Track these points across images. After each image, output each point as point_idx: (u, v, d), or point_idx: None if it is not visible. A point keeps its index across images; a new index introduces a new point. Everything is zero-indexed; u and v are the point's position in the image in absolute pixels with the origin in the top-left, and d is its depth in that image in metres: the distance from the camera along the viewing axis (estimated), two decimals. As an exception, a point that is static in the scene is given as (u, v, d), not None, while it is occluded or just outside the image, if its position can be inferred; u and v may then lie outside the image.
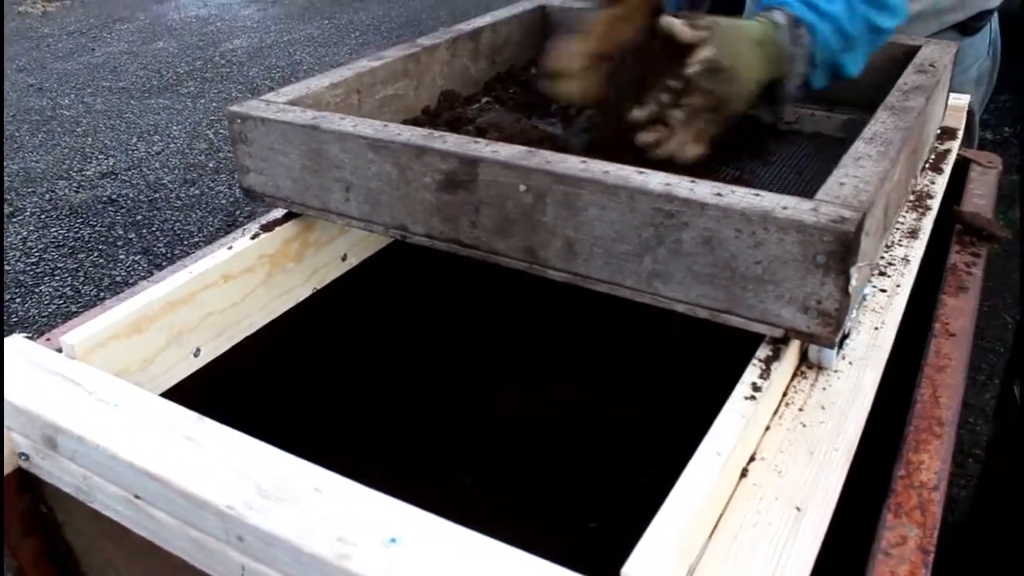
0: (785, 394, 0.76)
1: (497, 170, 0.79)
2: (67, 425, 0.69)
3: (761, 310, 0.73)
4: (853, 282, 0.69)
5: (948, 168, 1.24)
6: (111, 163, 3.88)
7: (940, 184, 1.19)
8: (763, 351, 0.74)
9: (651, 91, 0.96)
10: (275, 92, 1.01)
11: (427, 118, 1.16)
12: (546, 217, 0.79)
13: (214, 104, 4.55)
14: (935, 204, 1.14)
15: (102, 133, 4.25)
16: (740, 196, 0.71)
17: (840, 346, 0.79)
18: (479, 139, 0.85)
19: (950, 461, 0.77)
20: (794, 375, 0.78)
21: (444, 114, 1.17)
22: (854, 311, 0.78)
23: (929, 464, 0.74)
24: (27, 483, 0.81)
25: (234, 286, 0.92)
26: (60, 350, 0.81)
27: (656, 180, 0.74)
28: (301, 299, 1.00)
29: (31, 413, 0.72)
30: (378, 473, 0.69)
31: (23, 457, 0.76)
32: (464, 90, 1.24)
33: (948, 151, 1.28)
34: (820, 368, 0.79)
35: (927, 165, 1.22)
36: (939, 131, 1.29)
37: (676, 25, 0.94)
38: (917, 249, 1.02)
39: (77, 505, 0.75)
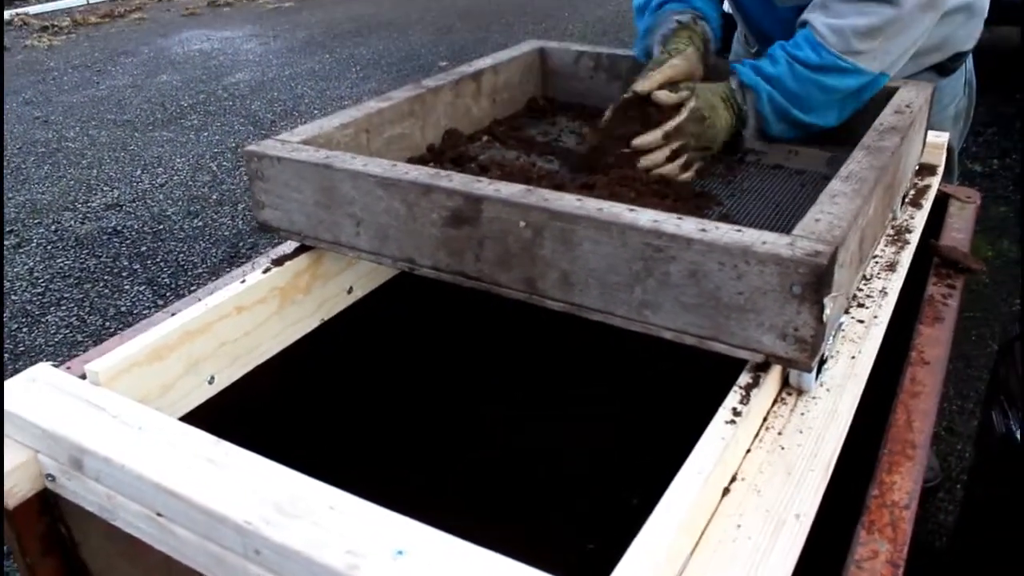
0: (766, 418, 0.81)
1: (499, 207, 0.85)
2: (93, 447, 0.74)
3: (743, 337, 0.78)
4: (827, 311, 0.75)
5: (928, 203, 1.30)
6: (116, 195, 3.94)
7: (919, 219, 1.24)
8: (744, 377, 0.79)
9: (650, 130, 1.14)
10: (289, 132, 1.06)
11: (432, 155, 1.21)
12: (544, 251, 0.85)
13: (217, 137, 4.62)
14: (914, 238, 1.19)
15: (107, 165, 4.31)
16: (723, 232, 0.77)
17: (819, 372, 0.84)
18: (482, 178, 0.90)
19: (921, 482, 0.81)
20: (775, 400, 0.83)
21: (448, 152, 1.22)
22: (831, 338, 0.83)
23: (901, 484, 0.79)
24: (47, 505, 0.86)
25: (247, 317, 0.97)
26: (84, 377, 0.85)
27: (645, 217, 0.80)
28: (310, 329, 1.05)
29: (58, 436, 0.77)
30: (382, 497, 0.73)
31: (49, 478, 0.81)
32: (467, 128, 1.30)
33: (928, 187, 1.34)
34: (800, 392, 0.84)
35: (907, 201, 1.28)
36: (918, 167, 1.35)
37: (662, 95, 1.15)
38: (895, 282, 1.07)
39: (95, 525, 0.80)
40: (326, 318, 1.08)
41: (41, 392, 0.82)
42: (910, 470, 0.81)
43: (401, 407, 1.22)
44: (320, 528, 0.63)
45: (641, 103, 1.17)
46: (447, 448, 1.21)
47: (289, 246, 1.07)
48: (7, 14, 8.06)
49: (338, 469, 0.79)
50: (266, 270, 1.00)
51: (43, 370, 0.86)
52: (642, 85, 1.17)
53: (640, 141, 1.13)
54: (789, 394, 0.84)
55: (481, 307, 1.03)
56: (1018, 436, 1.22)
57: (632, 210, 0.81)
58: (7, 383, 0.84)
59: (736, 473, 0.74)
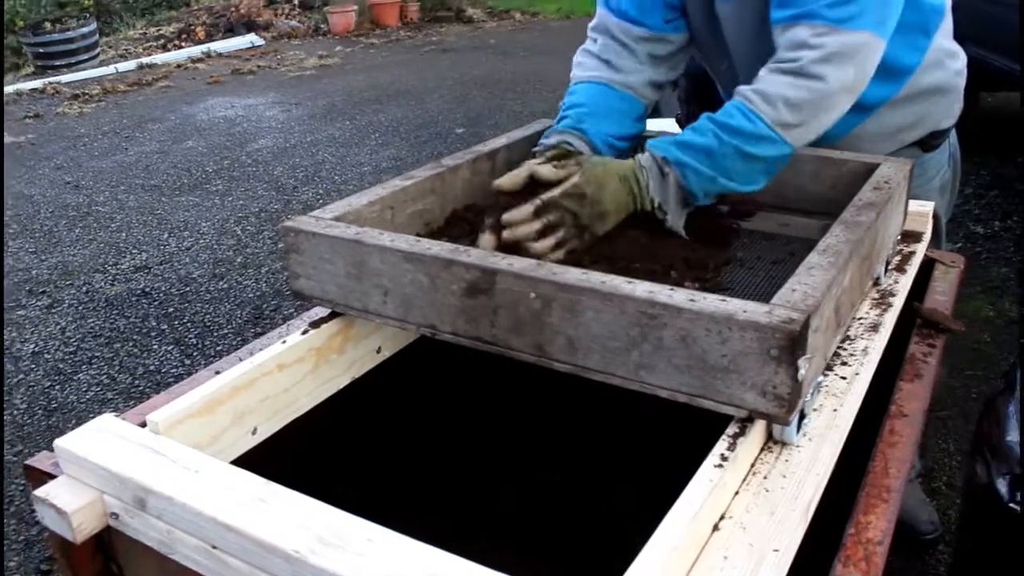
0: (753, 464, 0.90)
1: (512, 280, 0.95)
2: (157, 487, 0.84)
3: (728, 395, 0.88)
4: (802, 371, 0.85)
5: (912, 268, 1.40)
6: (144, 258, 4.09)
7: (903, 283, 1.34)
8: (731, 428, 0.89)
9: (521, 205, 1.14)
10: (322, 209, 1.18)
11: (451, 230, 1.32)
12: (552, 319, 0.94)
13: (241, 202, 4.78)
14: (897, 301, 1.29)
15: (135, 229, 4.47)
16: (709, 301, 0.87)
17: (800, 426, 0.93)
18: (497, 253, 1.01)
19: (895, 520, 0.91)
20: (762, 449, 0.93)
21: (467, 226, 1.32)
22: (809, 395, 0.93)
23: (876, 524, 0.88)
24: (101, 545, 0.96)
25: (287, 374, 1.07)
26: (143, 425, 0.96)
27: (641, 288, 0.90)
28: (342, 386, 1.16)
29: (124, 478, 0.87)
30: (412, 533, 0.83)
31: (113, 516, 0.91)
32: (482, 202, 1.42)
33: (913, 253, 1.44)
34: (784, 444, 0.94)
35: (892, 266, 1.38)
36: (901, 235, 1.45)
37: (543, 170, 1.16)
38: (877, 342, 1.17)
39: (150, 561, 0.90)
40: (357, 376, 1.19)
41: (106, 439, 0.93)
42: (884, 511, 0.91)
43: (426, 456, 1.31)
44: (360, 557, 0.73)
45: (534, 185, 1.19)
46: (469, 492, 1.30)
47: (323, 310, 1.17)
48: (40, 83, 8.35)
49: (369, 511, 0.88)
50: (304, 332, 1.11)
51: (107, 420, 0.96)
52: (502, 180, 1.19)
53: (509, 216, 1.13)
54: (776, 444, 0.94)
55: (497, 367, 1.13)
56: (999, 487, 1.30)
57: (630, 282, 0.91)
58: (76, 432, 0.95)
59: (725, 512, 0.83)
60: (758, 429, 0.91)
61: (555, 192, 1.15)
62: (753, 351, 0.84)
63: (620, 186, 1.20)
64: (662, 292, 0.89)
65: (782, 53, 1.27)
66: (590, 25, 1.58)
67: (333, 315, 1.15)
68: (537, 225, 1.13)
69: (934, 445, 2.46)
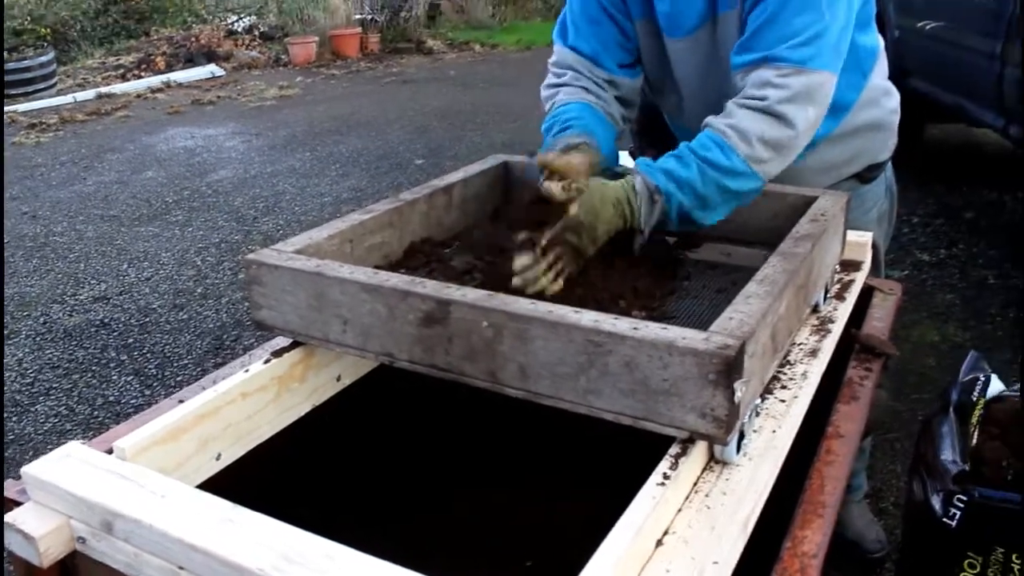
0: (695, 483, 0.96)
1: (465, 310, 1.00)
2: (124, 511, 0.87)
3: (670, 417, 0.93)
4: (738, 394, 0.90)
5: (851, 296, 1.47)
6: (103, 288, 4.08)
7: (842, 310, 1.41)
8: (674, 449, 0.94)
9: (523, 248, 1.16)
10: (283, 243, 1.22)
11: (409, 261, 1.37)
12: (503, 347, 0.99)
13: (201, 232, 4.78)
14: (836, 328, 1.36)
15: (94, 259, 4.45)
16: (651, 329, 0.92)
17: (739, 446, 0.99)
18: (451, 284, 1.06)
19: (830, 535, 0.96)
20: (704, 468, 0.98)
21: (423, 257, 1.37)
22: (747, 417, 0.98)
23: (811, 538, 0.94)
24: (66, 570, 0.98)
25: (250, 402, 1.11)
26: (110, 452, 0.99)
27: (587, 317, 0.95)
28: (303, 413, 1.20)
29: (92, 503, 0.90)
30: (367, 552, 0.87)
31: (80, 541, 0.93)
32: (439, 236, 1.47)
33: (852, 281, 1.51)
34: (725, 463, 0.99)
35: (832, 295, 1.45)
36: (841, 264, 1.52)
37: (554, 188, 1.16)
38: (816, 366, 1.23)
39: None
40: (318, 403, 1.22)
41: (73, 465, 0.96)
42: (820, 526, 0.96)
43: (385, 478, 1.35)
44: (322, 574, 0.77)
45: (537, 202, 1.22)
46: (426, 512, 1.34)
47: (284, 339, 1.21)
48: (-5, 112, 8.28)
49: (330, 532, 0.92)
50: (266, 361, 1.15)
51: (75, 447, 0.99)
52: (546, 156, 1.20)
53: (519, 265, 1.15)
54: (717, 463, 0.99)
55: (452, 393, 1.17)
56: (934, 503, 1.37)
57: (576, 311, 0.97)
58: (43, 459, 0.97)
59: (668, 528, 0.88)
60: (700, 449, 0.96)
61: (556, 229, 1.18)
62: (692, 375, 0.89)
63: (613, 211, 1.25)
64: (607, 321, 0.94)
65: (749, 90, 1.34)
66: (551, 60, 1.64)
67: (294, 344, 1.19)
68: (544, 266, 1.16)
69: (882, 467, 2.54)
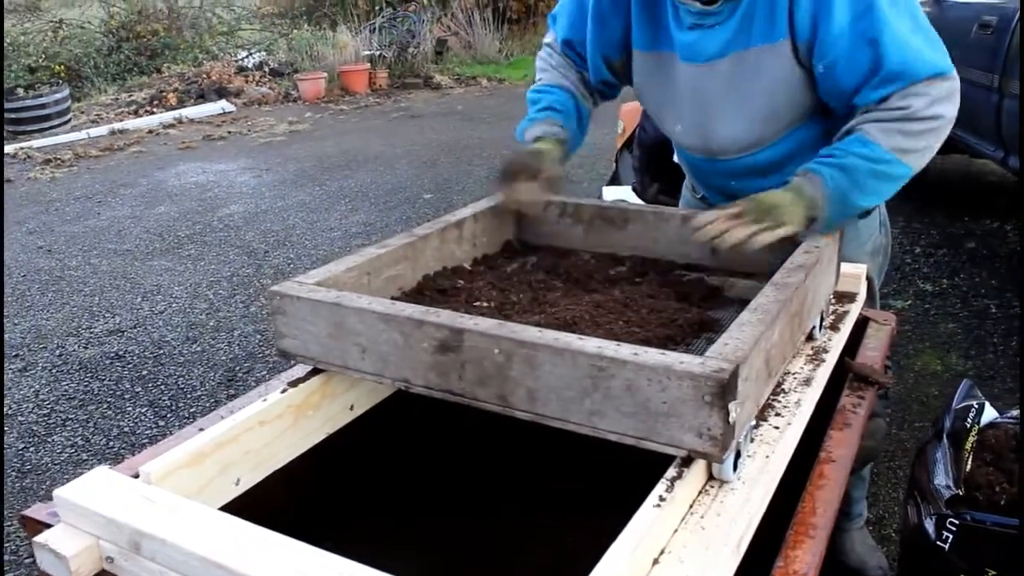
0: (692, 505, 1.00)
1: (477, 338, 1.07)
2: (151, 531, 0.93)
3: (669, 437, 0.98)
4: (733, 414, 0.96)
5: (846, 327, 1.52)
6: (117, 321, 4.15)
7: (836, 340, 1.46)
8: (671, 471, 0.99)
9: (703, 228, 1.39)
10: (304, 275, 1.28)
11: (423, 293, 1.42)
12: (513, 372, 1.05)
13: (213, 266, 4.86)
14: (831, 357, 1.41)
15: (108, 293, 4.53)
16: (651, 355, 0.98)
17: (736, 465, 1.03)
18: (464, 314, 1.12)
19: (821, 555, 1.01)
20: (700, 491, 1.03)
21: (437, 289, 1.43)
22: (742, 437, 1.03)
23: (802, 558, 0.99)
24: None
25: (268, 430, 1.16)
26: (136, 476, 1.05)
27: (591, 344, 1.01)
28: (319, 440, 1.25)
29: (119, 524, 0.95)
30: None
31: (108, 560, 0.99)
32: (452, 265, 1.53)
33: (847, 312, 1.57)
34: (722, 483, 1.04)
35: (827, 325, 1.50)
36: (837, 296, 1.57)
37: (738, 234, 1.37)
38: (810, 394, 1.28)
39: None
40: (332, 431, 1.28)
41: (103, 489, 1.01)
42: (811, 547, 1.01)
43: (396, 502, 1.40)
44: (336, 588, 0.82)
45: None
46: (434, 532, 1.39)
47: (301, 369, 1.27)
48: (11, 148, 8.42)
49: (345, 552, 0.97)
50: (283, 391, 1.20)
51: (103, 471, 1.05)
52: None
53: (702, 219, 1.37)
54: (713, 486, 1.04)
55: (459, 420, 1.23)
56: (927, 527, 1.41)
57: (581, 338, 1.03)
58: (74, 483, 1.03)
59: (665, 547, 0.93)
60: (697, 470, 1.01)
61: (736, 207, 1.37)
62: (689, 398, 0.95)
63: (791, 194, 1.40)
64: (609, 347, 1.00)
65: (893, 101, 1.42)
66: (545, 40, 1.83)
67: (311, 374, 1.25)
68: (729, 219, 1.38)
69: (885, 495, 2.57)
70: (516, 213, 1.68)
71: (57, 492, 1.01)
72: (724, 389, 0.93)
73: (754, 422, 1.11)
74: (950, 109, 1.43)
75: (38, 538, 0.99)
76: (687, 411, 0.96)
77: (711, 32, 1.52)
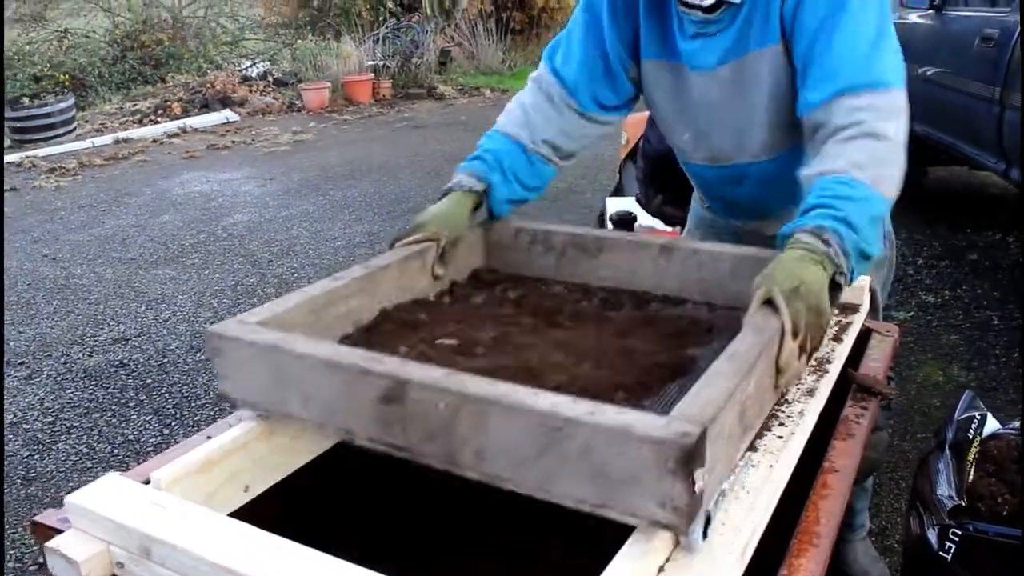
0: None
1: (421, 390, 0.98)
2: (162, 537, 0.94)
3: (630, 505, 0.89)
4: (699, 484, 0.86)
5: (849, 338, 1.53)
6: (122, 329, 4.16)
7: (840, 351, 1.47)
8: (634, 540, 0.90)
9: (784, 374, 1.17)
10: (248, 312, 1.22)
11: (379, 329, 1.35)
12: (460, 428, 0.96)
13: (217, 275, 4.88)
14: (834, 368, 1.42)
15: (113, 301, 4.55)
16: (608, 414, 0.89)
17: (705, 533, 0.92)
18: (413, 360, 1.06)
19: (824, 564, 1.02)
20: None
21: (393, 324, 1.36)
22: (712, 503, 0.93)
23: (806, 566, 1.00)
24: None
25: (276, 437, 1.17)
26: (147, 482, 1.06)
27: (545, 401, 0.92)
28: (325, 448, 1.26)
29: (130, 529, 0.96)
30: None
31: (119, 565, 1.00)
32: (410, 301, 1.44)
33: (850, 324, 1.57)
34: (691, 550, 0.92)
35: (830, 337, 1.51)
36: (840, 308, 1.58)
37: (794, 365, 1.17)
38: (813, 405, 1.29)
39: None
40: (337, 440, 1.29)
41: (113, 495, 1.02)
42: (815, 555, 1.02)
43: (402, 511, 1.41)
44: (346, 593, 0.83)
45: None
46: (441, 540, 1.40)
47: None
48: (16, 156, 8.45)
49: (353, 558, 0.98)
50: (291, 397, 1.21)
51: (114, 478, 1.06)
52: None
53: (785, 361, 1.15)
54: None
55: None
56: (930, 537, 1.42)
57: (535, 394, 0.94)
58: (85, 489, 1.04)
59: (670, 556, 0.93)
60: (664, 537, 0.92)
61: (788, 323, 1.15)
62: (650, 464, 0.85)
63: (817, 268, 1.22)
64: (564, 404, 0.91)
65: (839, 121, 1.37)
66: (532, 74, 1.73)
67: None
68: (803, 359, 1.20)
69: (888, 505, 2.58)
70: (484, 241, 1.64)
71: (68, 498, 1.02)
72: (690, 456, 0.84)
73: (725, 486, 0.99)
74: (898, 128, 1.35)
75: (50, 543, 1.00)
76: (648, 479, 0.86)
77: (713, 40, 1.53)
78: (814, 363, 1.41)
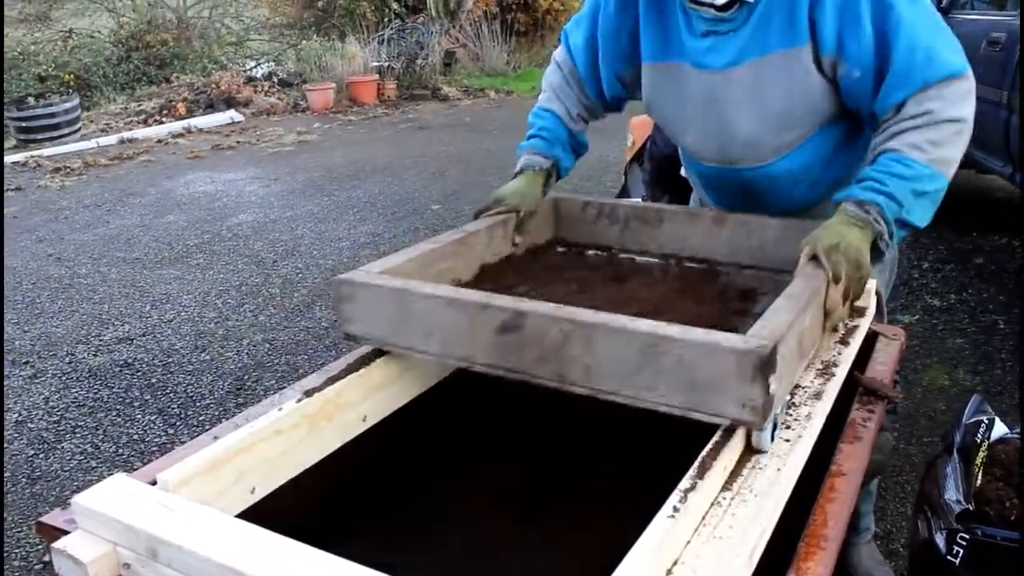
0: (704, 517, 1.00)
1: (537, 319, 1.16)
2: (169, 538, 0.94)
3: (715, 407, 1.08)
4: (773, 387, 1.05)
5: (855, 341, 1.53)
6: (127, 329, 4.16)
7: (846, 354, 1.47)
8: (686, 481, 1.00)
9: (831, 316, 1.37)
10: (368, 265, 1.38)
11: (477, 283, 1.52)
12: (571, 350, 1.14)
13: (222, 275, 4.88)
14: (840, 371, 1.41)
15: (117, 301, 4.55)
16: (699, 333, 1.08)
17: (773, 436, 1.12)
18: (523, 298, 1.22)
19: (832, 567, 1.01)
20: (713, 503, 1.03)
21: (489, 280, 1.54)
22: (779, 408, 1.12)
23: (814, 569, 0.99)
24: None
25: (283, 438, 1.18)
26: (154, 483, 1.06)
27: (644, 324, 1.11)
28: (332, 450, 1.26)
29: (137, 530, 0.96)
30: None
31: (125, 567, 1.00)
32: (500, 262, 1.65)
33: (857, 327, 1.57)
34: (735, 496, 1.04)
35: (836, 340, 1.50)
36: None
37: (838, 311, 1.37)
38: (820, 408, 1.29)
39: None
40: (344, 441, 1.29)
41: (120, 496, 1.02)
42: (822, 558, 1.02)
43: (407, 511, 1.41)
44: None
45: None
46: (448, 537, 1.40)
47: (315, 378, 1.28)
48: (21, 156, 8.47)
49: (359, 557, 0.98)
50: (299, 400, 1.21)
51: (121, 479, 1.06)
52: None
53: (831, 305, 1.34)
54: (725, 498, 1.04)
55: (473, 428, 1.27)
56: (938, 541, 1.41)
57: (633, 320, 1.12)
58: (92, 490, 1.04)
59: (678, 558, 0.94)
60: (738, 440, 1.09)
61: (839, 266, 1.34)
62: (734, 371, 1.04)
63: (859, 231, 1.40)
64: (660, 326, 1.10)
65: (911, 110, 1.43)
66: (555, 53, 1.87)
67: (325, 384, 1.26)
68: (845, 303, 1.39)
69: (893, 509, 2.57)
70: (555, 214, 1.84)
71: (75, 499, 1.02)
72: (765, 363, 1.02)
73: (788, 397, 1.19)
74: (967, 110, 1.44)
75: (56, 544, 1.00)
76: (732, 384, 1.05)
77: (725, 39, 1.53)
78: (820, 366, 1.41)
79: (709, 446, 1.06)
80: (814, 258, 1.35)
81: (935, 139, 1.42)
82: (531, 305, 1.18)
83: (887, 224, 1.41)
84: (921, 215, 1.46)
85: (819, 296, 1.28)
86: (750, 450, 1.12)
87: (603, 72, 1.73)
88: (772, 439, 1.11)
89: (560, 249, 1.82)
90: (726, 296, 1.50)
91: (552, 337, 1.14)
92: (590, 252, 1.79)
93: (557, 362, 1.15)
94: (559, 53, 1.84)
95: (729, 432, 1.09)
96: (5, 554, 2.55)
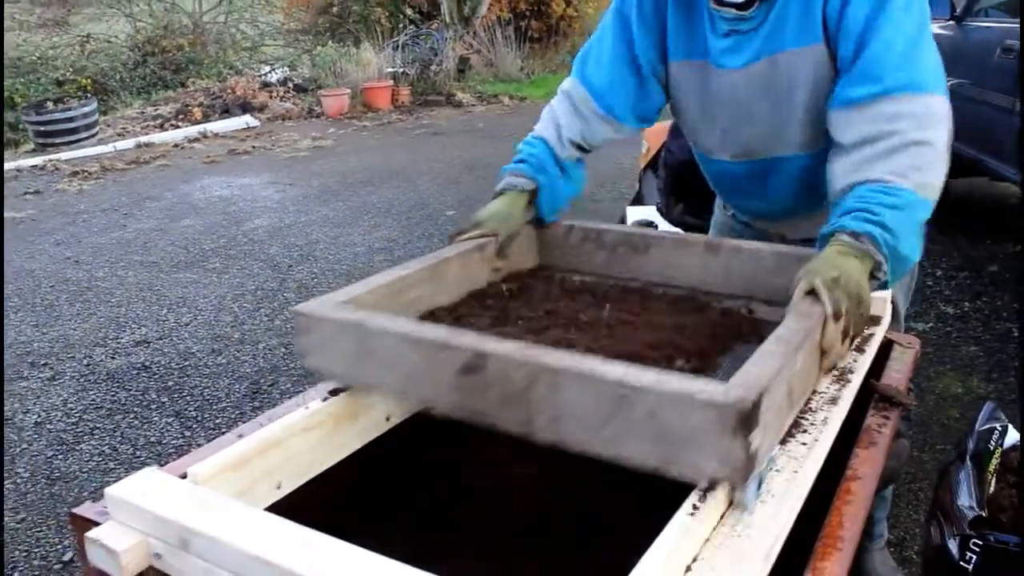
0: (722, 517, 1.03)
1: (501, 361, 1.07)
2: (200, 529, 0.96)
3: (691, 465, 0.98)
4: (754, 444, 0.95)
5: (871, 349, 1.54)
6: (144, 332, 4.21)
7: (862, 361, 1.48)
8: (695, 495, 1.00)
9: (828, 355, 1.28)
10: (328, 295, 1.30)
11: (447, 314, 1.43)
12: (536, 396, 1.04)
13: (238, 279, 4.92)
14: (856, 378, 1.43)
15: (135, 304, 4.59)
16: (674, 382, 0.97)
17: (758, 492, 1.02)
18: (488, 335, 1.13)
19: (847, 568, 1.03)
20: (728, 507, 1.05)
21: (461, 310, 1.45)
22: (763, 466, 1.02)
23: (830, 569, 1.01)
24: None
25: (310, 436, 1.20)
26: (184, 477, 1.08)
27: (615, 371, 1.00)
28: (356, 448, 1.28)
29: (170, 521, 0.99)
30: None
31: (156, 556, 1.02)
32: (474, 290, 1.54)
33: (872, 335, 1.59)
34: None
35: (853, 347, 1.52)
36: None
37: (837, 347, 1.28)
38: (836, 413, 1.30)
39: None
40: (369, 439, 1.31)
41: (152, 488, 1.05)
42: (838, 559, 1.03)
43: (432, 510, 1.43)
44: (382, 586, 0.85)
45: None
46: (470, 536, 1.42)
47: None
48: (39, 160, 8.55)
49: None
50: (324, 399, 1.24)
51: (152, 472, 1.09)
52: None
53: (829, 343, 1.25)
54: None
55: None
56: (951, 547, 1.43)
57: (604, 363, 1.02)
58: (124, 482, 1.07)
59: (697, 555, 0.96)
60: (721, 496, 1.00)
61: (839, 303, 1.24)
62: (712, 426, 0.94)
63: (857, 263, 1.30)
64: (632, 373, 1.00)
65: (880, 128, 1.39)
66: (562, 86, 1.79)
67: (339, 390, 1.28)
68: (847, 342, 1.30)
69: (907, 516, 2.58)
70: (538, 238, 1.72)
71: (108, 490, 1.05)
72: (747, 418, 0.93)
73: (776, 450, 1.10)
74: (939, 134, 1.38)
75: (90, 533, 1.03)
76: (709, 439, 0.95)
77: (746, 37, 1.54)
78: (836, 373, 1.42)
79: (694, 493, 0.98)
80: (811, 292, 1.25)
81: (915, 163, 1.36)
82: (494, 345, 1.09)
83: (884, 255, 1.32)
84: (915, 246, 1.39)
85: (814, 335, 1.19)
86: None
87: (643, 74, 1.69)
88: (756, 496, 1.02)
89: (542, 276, 1.68)
90: (716, 330, 1.39)
91: (516, 382, 1.05)
92: (575, 279, 1.65)
93: (522, 407, 1.06)
94: (568, 82, 1.77)
95: (711, 488, 0.99)
96: (26, 553, 2.59)
